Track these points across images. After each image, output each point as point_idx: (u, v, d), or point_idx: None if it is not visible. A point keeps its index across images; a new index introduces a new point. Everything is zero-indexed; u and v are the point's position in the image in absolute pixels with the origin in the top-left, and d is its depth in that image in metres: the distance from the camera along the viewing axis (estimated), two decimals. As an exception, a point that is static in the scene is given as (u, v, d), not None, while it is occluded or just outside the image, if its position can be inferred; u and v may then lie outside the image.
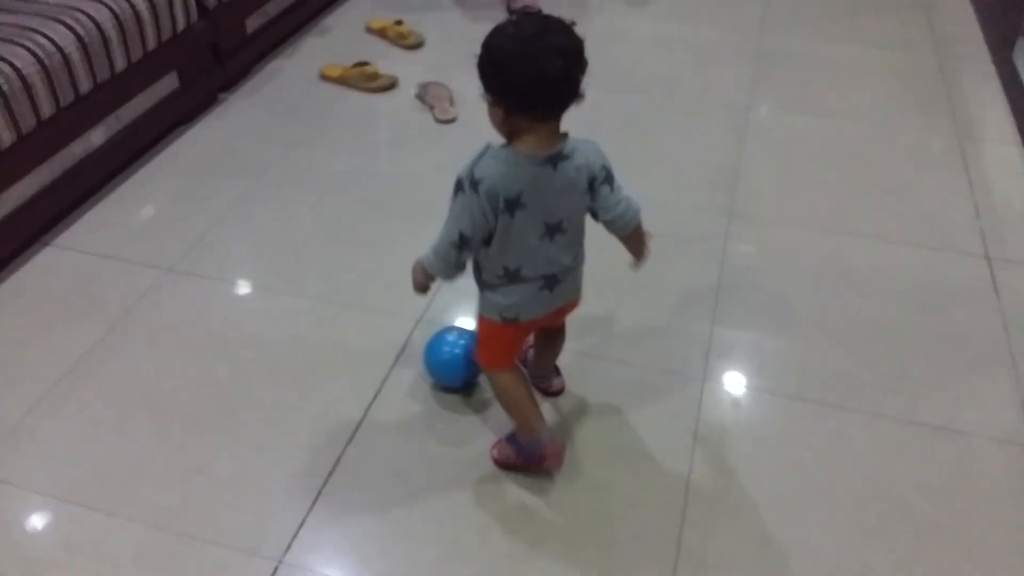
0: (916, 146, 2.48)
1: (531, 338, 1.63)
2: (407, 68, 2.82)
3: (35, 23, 1.98)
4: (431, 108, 2.61)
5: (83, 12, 2.06)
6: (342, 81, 2.73)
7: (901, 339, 1.82)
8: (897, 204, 2.23)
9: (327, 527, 1.43)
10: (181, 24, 2.36)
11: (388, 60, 2.84)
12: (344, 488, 1.49)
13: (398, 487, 1.50)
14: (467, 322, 1.77)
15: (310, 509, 1.45)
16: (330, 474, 1.51)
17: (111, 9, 2.11)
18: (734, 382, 1.73)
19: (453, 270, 1.34)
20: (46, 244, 2.04)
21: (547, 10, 3.11)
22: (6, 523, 1.44)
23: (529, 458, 1.49)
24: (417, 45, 2.98)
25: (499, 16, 3.08)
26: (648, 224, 1.44)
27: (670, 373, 1.73)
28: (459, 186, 1.28)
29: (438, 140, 2.48)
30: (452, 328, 1.71)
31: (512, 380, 1.47)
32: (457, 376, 1.65)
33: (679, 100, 2.69)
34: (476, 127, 2.49)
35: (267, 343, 1.79)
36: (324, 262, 2.01)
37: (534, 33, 1.21)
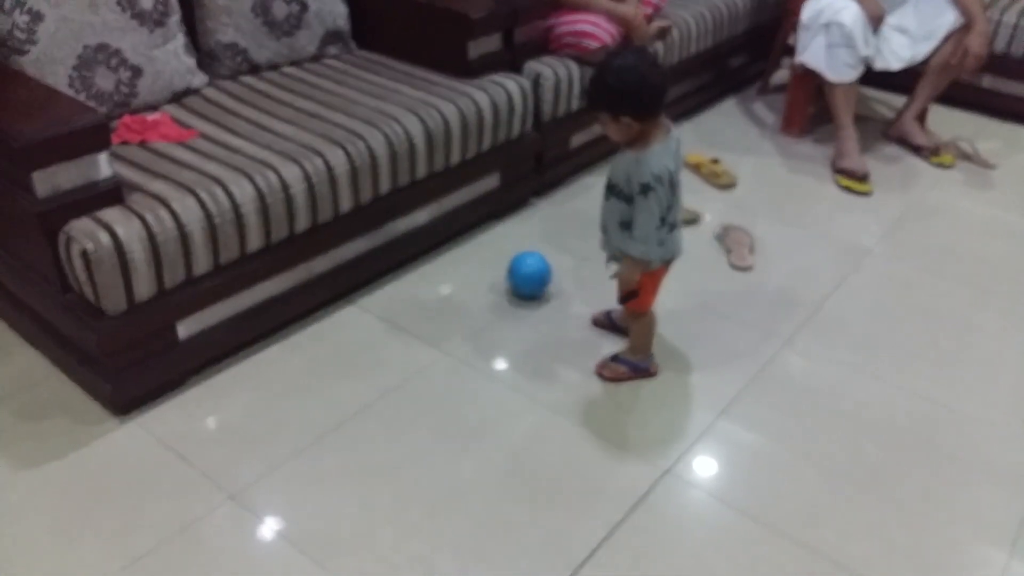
0: None
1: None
2: (713, 207, 2.81)
3: (397, 112, 2.24)
4: (728, 252, 2.57)
5: (436, 109, 2.29)
6: (647, 208, 2.78)
7: None
8: None
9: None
10: (516, 132, 2.55)
11: (696, 196, 2.85)
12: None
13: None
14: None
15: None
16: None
17: (461, 111, 2.33)
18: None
19: (659, 247, 1.81)
20: (351, 303, 2.25)
21: (878, 183, 2.99)
22: (244, 551, 1.56)
23: (641, 372, 2.03)
24: (729, 186, 2.96)
25: (820, 171, 3.03)
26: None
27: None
28: (648, 188, 1.73)
29: (727, 286, 2.42)
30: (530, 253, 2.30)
31: (654, 318, 2.01)
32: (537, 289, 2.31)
33: (1005, 301, 2.40)
34: (769, 278, 2.44)
35: (511, 448, 1.81)
36: (584, 384, 2.02)
37: (644, 62, 1.72)
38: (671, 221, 1.82)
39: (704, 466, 1.80)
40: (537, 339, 2.17)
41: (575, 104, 2.77)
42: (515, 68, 2.63)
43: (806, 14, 3.06)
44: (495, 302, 2.29)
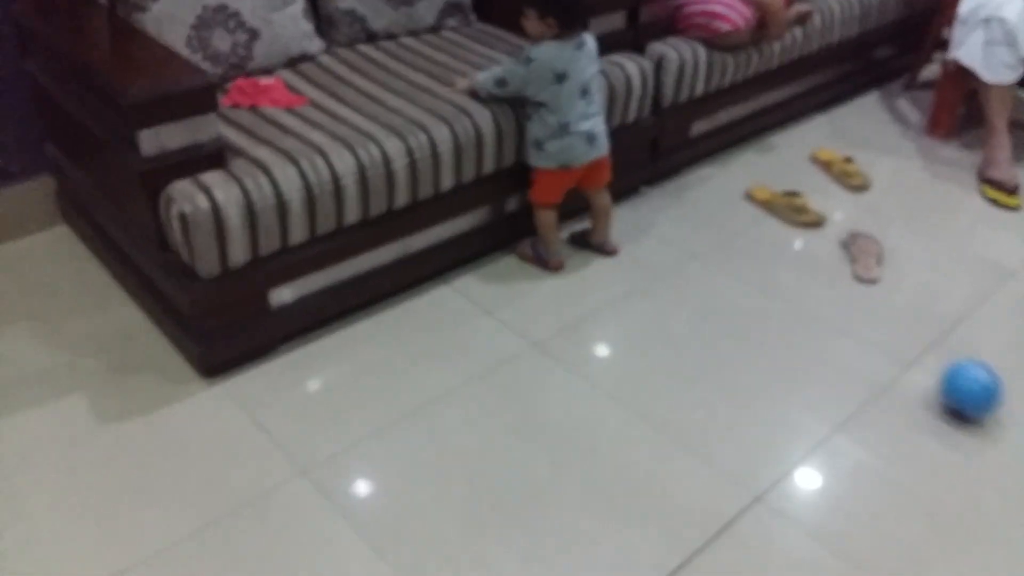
0: None
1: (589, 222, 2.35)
2: (841, 209, 2.61)
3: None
4: (854, 261, 2.37)
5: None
6: (767, 206, 2.60)
7: None
8: None
9: None
10: (632, 116, 2.43)
11: (823, 196, 2.66)
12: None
13: None
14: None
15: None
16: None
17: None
18: None
19: (490, 94, 2.10)
20: (445, 283, 2.20)
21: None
22: (307, 531, 1.54)
23: (540, 261, 2.26)
24: (861, 188, 2.74)
25: (966, 179, 2.76)
26: None
27: None
28: (526, 60, 2.02)
29: (848, 298, 2.23)
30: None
31: (551, 215, 2.21)
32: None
33: None
34: (897, 294, 2.24)
35: (592, 454, 1.72)
36: (679, 392, 1.90)
37: None
38: (564, 122, 2.05)
39: (800, 496, 1.66)
40: (634, 337, 2.07)
41: (699, 89, 2.62)
42: (638, 48, 2.50)
43: (965, 7, 2.78)
44: (590, 294, 2.20)
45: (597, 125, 2.13)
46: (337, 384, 1.87)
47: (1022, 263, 2.40)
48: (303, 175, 1.81)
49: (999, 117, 2.79)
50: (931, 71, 3.39)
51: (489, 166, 2.13)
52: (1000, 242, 2.52)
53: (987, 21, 2.67)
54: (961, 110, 3.07)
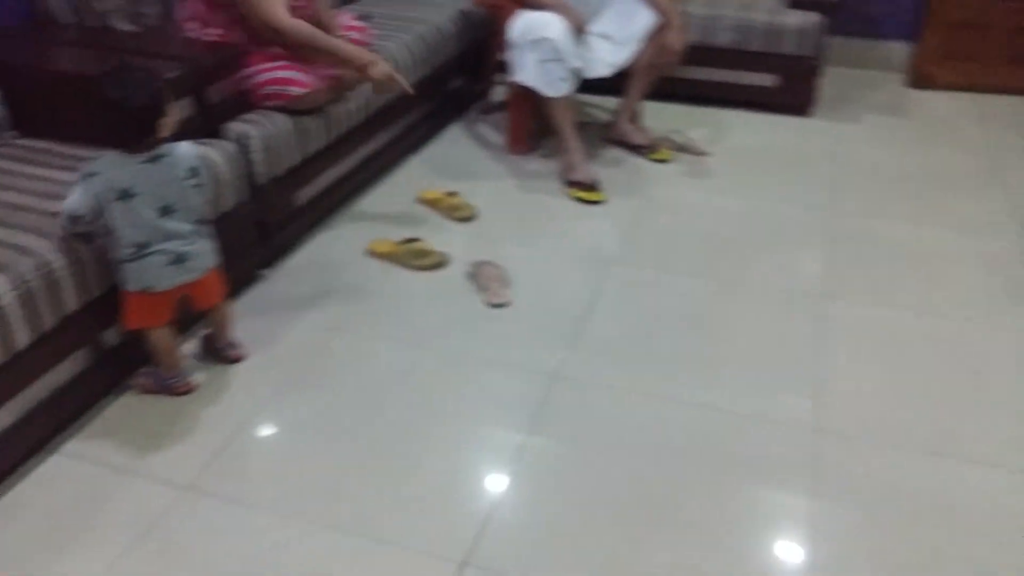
0: (1020, 348, 2.22)
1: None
2: (459, 243, 2.68)
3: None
4: (483, 290, 2.45)
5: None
6: (391, 258, 2.59)
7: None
8: (1010, 421, 1.96)
9: None
10: (230, 204, 2.26)
11: (440, 234, 2.71)
12: None
13: None
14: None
15: None
16: None
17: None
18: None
19: (74, 234, 1.82)
20: (54, 451, 1.85)
21: (609, 189, 2.97)
22: None
23: (166, 389, 2.02)
24: (470, 218, 2.85)
25: (553, 187, 3.01)
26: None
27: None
28: (79, 180, 1.79)
29: (487, 327, 2.30)
30: None
31: (163, 334, 1.97)
32: None
33: (743, 286, 2.49)
34: (527, 310, 2.36)
35: (286, 589, 1.56)
36: (359, 483, 1.79)
37: (118, 84, 1.77)
38: (138, 242, 1.82)
39: (502, 551, 1.64)
40: (296, 439, 1.92)
41: (294, 159, 2.52)
42: (212, 132, 2.33)
43: (514, 32, 3.01)
44: (231, 406, 2.00)
45: (189, 246, 1.89)
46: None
47: (619, 249, 2.67)
48: None
49: (566, 125, 3.07)
50: (500, 92, 3.66)
51: (72, 303, 1.84)
52: (597, 235, 2.78)
53: (535, 42, 2.91)
54: (533, 124, 3.33)
